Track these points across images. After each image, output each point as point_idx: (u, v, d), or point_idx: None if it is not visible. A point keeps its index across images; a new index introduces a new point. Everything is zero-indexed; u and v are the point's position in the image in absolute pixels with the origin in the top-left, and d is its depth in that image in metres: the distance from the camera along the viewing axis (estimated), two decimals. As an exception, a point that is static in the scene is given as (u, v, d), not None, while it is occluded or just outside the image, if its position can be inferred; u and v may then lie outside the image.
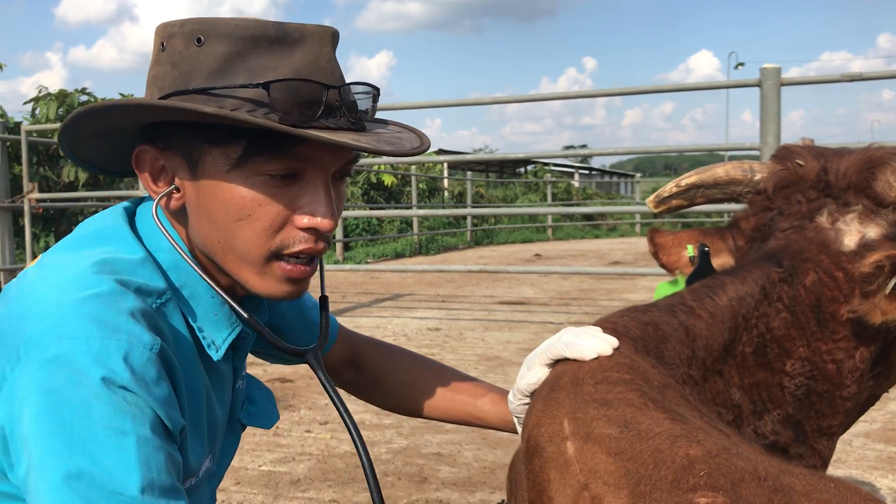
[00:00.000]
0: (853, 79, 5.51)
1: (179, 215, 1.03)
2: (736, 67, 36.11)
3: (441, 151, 16.27)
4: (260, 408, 1.26)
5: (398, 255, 14.61)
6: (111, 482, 0.81)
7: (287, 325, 1.30)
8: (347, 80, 1.00)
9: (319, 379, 1.10)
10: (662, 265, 1.70)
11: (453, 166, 22.60)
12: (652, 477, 0.85)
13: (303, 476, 3.25)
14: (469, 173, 21.52)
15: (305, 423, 4.03)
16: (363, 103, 0.99)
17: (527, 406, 1.13)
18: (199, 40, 0.93)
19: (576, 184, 28.07)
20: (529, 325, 6.99)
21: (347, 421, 1.08)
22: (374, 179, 17.01)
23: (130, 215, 1.06)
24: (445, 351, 5.77)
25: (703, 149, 6.69)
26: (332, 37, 0.98)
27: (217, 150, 0.95)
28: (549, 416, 1.01)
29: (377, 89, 1.01)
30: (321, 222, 0.97)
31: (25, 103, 10.09)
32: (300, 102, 0.92)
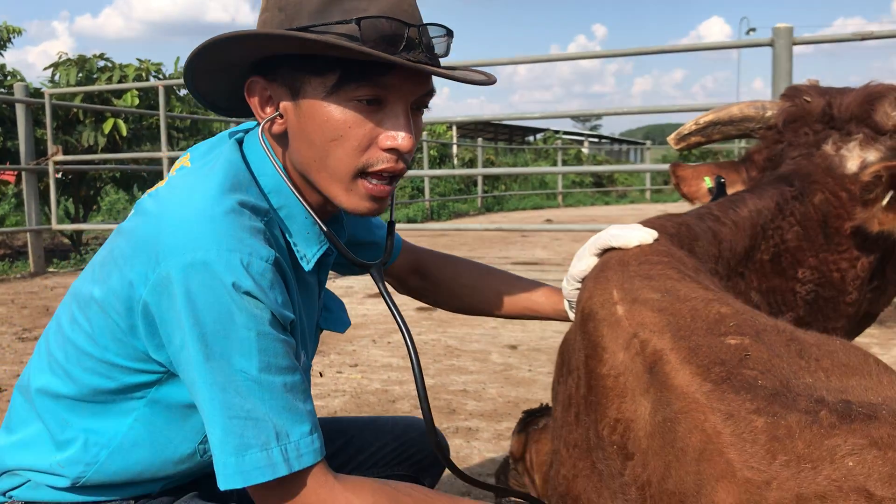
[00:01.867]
0: (865, 37, 5.61)
1: (281, 141, 1.20)
2: (747, 33, 35.89)
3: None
4: (334, 315, 1.45)
5: (410, 221, 14.77)
6: (238, 363, 1.03)
7: (359, 242, 1.49)
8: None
9: (379, 289, 1.29)
10: (683, 195, 1.87)
11: (463, 134, 22.60)
12: (689, 327, 1.03)
13: (339, 409, 3.46)
14: (480, 140, 21.60)
15: (336, 365, 4.24)
16: (439, 44, 1.15)
17: (578, 290, 1.31)
18: None
19: (585, 151, 28.06)
20: (544, 282, 7.15)
21: (401, 324, 1.23)
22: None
23: (240, 142, 1.24)
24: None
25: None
26: None
27: (316, 79, 1.11)
28: (600, 288, 1.19)
29: (451, 31, 1.17)
30: (401, 143, 1.12)
31: (45, 69, 10.21)
32: (385, 37, 1.08)
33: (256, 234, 1.09)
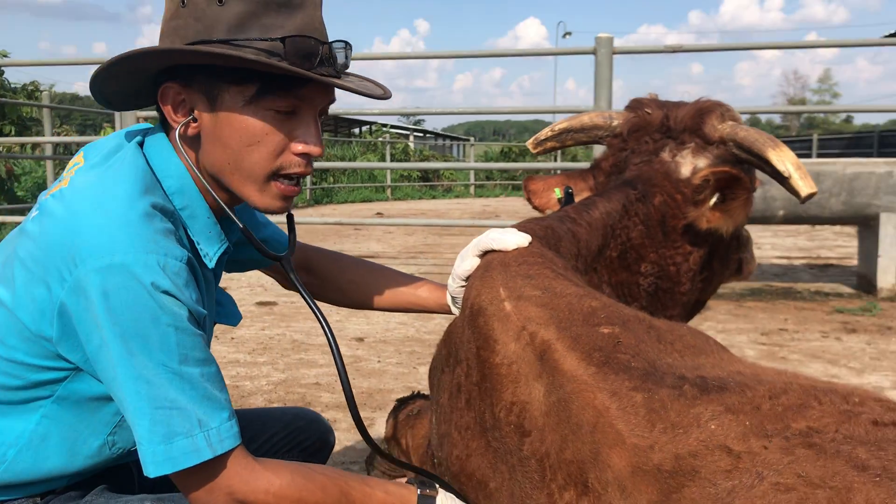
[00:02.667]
0: (676, 50, 6.17)
1: (191, 143, 1.26)
2: (564, 36, 37.77)
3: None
4: (226, 309, 1.52)
5: (239, 214, 14.39)
6: (160, 357, 1.10)
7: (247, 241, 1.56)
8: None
9: (291, 279, 1.38)
10: (535, 207, 2.06)
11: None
12: (569, 319, 1.20)
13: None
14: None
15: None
16: (340, 56, 1.25)
17: (463, 288, 1.45)
18: (220, 1, 1.16)
19: (412, 145, 28.50)
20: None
21: (317, 313, 1.34)
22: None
23: (140, 144, 1.28)
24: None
25: (544, 111, 7.21)
26: (321, 3, 1.25)
27: (235, 88, 1.19)
28: (486, 287, 1.33)
29: (350, 45, 1.27)
30: (313, 149, 1.24)
31: None
32: (304, 54, 1.18)
33: (169, 235, 1.16)
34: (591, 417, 0.99)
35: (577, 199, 2.03)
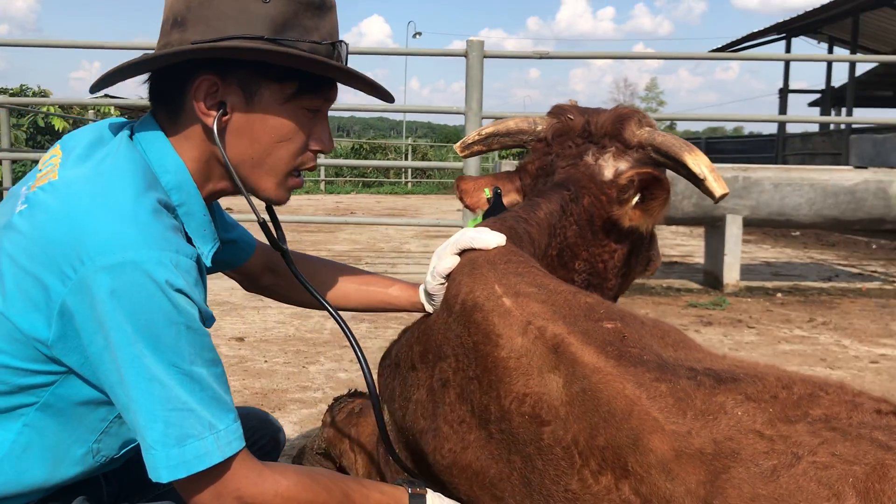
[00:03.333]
0: (542, 56, 6.41)
1: (203, 135, 1.21)
2: (414, 36, 38.12)
3: (109, 96, 15.21)
4: None
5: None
6: (172, 358, 1.05)
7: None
8: None
9: (292, 271, 1.43)
10: (467, 206, 2.11)
11: (131, 116, 21.09)
12: (572, 315, 1.25)
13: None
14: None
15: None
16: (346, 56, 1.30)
17: (442, 286, 1.46)
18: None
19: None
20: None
21: (326, 305, 1.38)
22: (41, 123, 15.47)
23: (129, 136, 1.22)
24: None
25: (419, 110, 7.27)
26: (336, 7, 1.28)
27: (276, 85, 1.19)
28: (479, 284, 1.35)
29: (346, 43, 1.30)
30: (328, 146, 1.30)
31: None
32: (338, 56, 1.23)
33: (177, 232, 1.12)
34: (624, 405, 1.05)
35: (504, 200, 2.09)
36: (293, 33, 1.17)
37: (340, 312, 1.42)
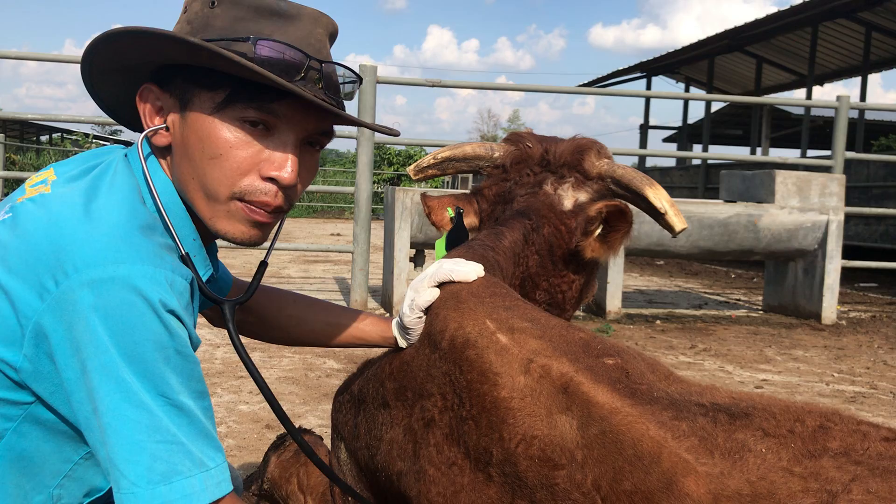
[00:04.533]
0: (434, 84, 6.45)
1: (167, 157, 1.13)
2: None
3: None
4: None
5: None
6: (161, 386, 0.96)
7: None
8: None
9: (227, 328, 1.26)
10: (433, 223, 2.07)
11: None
12: (572, 351, 1.22)
13: None
14: (0, 135, 19.00)
15: None
16: (348, 88, 1.18)
17: (421, 319, 1.40)
18: (212, 4, 1.08)
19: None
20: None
21: (247, 360, 1.24)
22: None
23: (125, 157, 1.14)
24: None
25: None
26: (328, 24, 1.16)
27: (206, 93, 1.08)
28: (468, 318, 1.31)
29: (361, 78, 1.20)
30: (280, 174, 1.09)
31: None
32: (282, 63, 1.08)
33: (172, 252, 1.04)
34: (651, 447, 1.03)
35: (465, 220, 2.07)
36: (237, 34, 1.07)
37: (307, 346, 1.34)
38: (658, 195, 1.91)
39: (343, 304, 6.62)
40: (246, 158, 1.09)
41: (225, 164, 1.08)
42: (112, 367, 0.91)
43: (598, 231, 1.90)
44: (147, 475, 0.93)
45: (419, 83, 6.61)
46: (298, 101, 1.09)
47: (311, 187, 8.40)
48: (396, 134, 1.27)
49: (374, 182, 18.11)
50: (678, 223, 1.89)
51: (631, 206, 1.90)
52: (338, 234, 15.34)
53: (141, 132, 1.12)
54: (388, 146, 24.86)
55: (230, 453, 3.00)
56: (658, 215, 1.92)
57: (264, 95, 1.07)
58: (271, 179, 1.10)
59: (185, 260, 1.08)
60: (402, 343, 1.46)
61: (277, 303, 1.54)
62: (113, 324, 0.91)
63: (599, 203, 1.93)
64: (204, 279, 1.17)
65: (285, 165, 1.10)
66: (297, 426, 2.00)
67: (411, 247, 6.43)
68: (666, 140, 27.19)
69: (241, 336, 1.59)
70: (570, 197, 2.00)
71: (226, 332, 1.26)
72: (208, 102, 1.07)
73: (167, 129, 1.11)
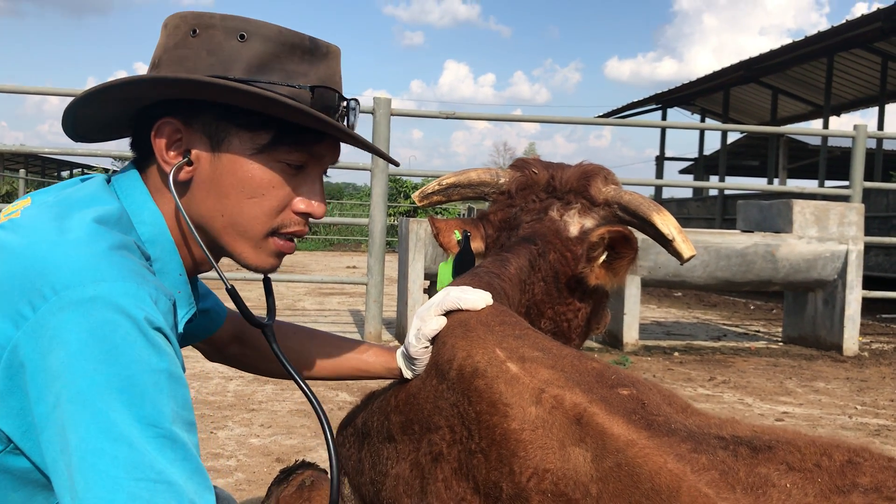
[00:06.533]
0: (449, 116, 6.46)
1: (177, 189, 1.08)
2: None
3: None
4: None
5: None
6: (148, 413, 0.86)
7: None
8: None
9: (273, 349, 1.26)
10: (440, 244, 2.04)
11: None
12: (585, 381, 1.17)
13: None
14: (22, 171, 19.27)
15: None
16: (352, 115, 1.18)
17: (427, 349, 1.36)
18: (242, 36, 1.05)
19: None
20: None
21: (300, 382, 1.24)
22: None
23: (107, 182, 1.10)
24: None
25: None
26: (340, 56, 1.17)
27: (246, 134, 1.06)
28: (478, 348, 1.26)
29: (359, 103, 1.21)
30: (316, 208, 1.14)
31: None
32: (326, 106, 1.10)
33: (150, 275, 0.98)
34: (669, 481, 0.97)
35: (472, 244, 2.04)
36: (272, 77, 1.05)
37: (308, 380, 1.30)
38: (666, 221, 1.87)
39: (357, 336, 6.58)
40: (284, 197, 1.11)
41: (265, 203, 1.09)
42: (89, 396, 0.83)
43: (603, 258, 1.86)
44: None
45: (433, 115, 6.62)
46: (334, 140, 1.13)
47: (327, 219, 8.42)
48: (396, 164, 1.26)
49: (390, 214, 18.17)
50: (686, 250, 1.85)
51: (638, 233, 1.87)
52: (353, 267, 15.35)
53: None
54: (403, 179, 24.95)
55: (239, 487, 2.94)
56: (666, 242, 1.87)
57: (307, 138, 1.10)
58: (303, 213, 1.14)
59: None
60: (408, 374, 1.41)
61: (277, 335, 1.50)
62: (95, 347, 0.84)
63: (602, 228, 1.88)
64: (185, 317, 1.12)
65: (318, 200, 1.15)
66: (302, 460, 1.96)
67: (425, 278, 6.39)
68: (682, 171, 27.14)
69: (239, 369, 1.56)
70: (576, 223, 1.96)
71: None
72: (249, 144, 1.07)
73: (190, 163, 1.07)
